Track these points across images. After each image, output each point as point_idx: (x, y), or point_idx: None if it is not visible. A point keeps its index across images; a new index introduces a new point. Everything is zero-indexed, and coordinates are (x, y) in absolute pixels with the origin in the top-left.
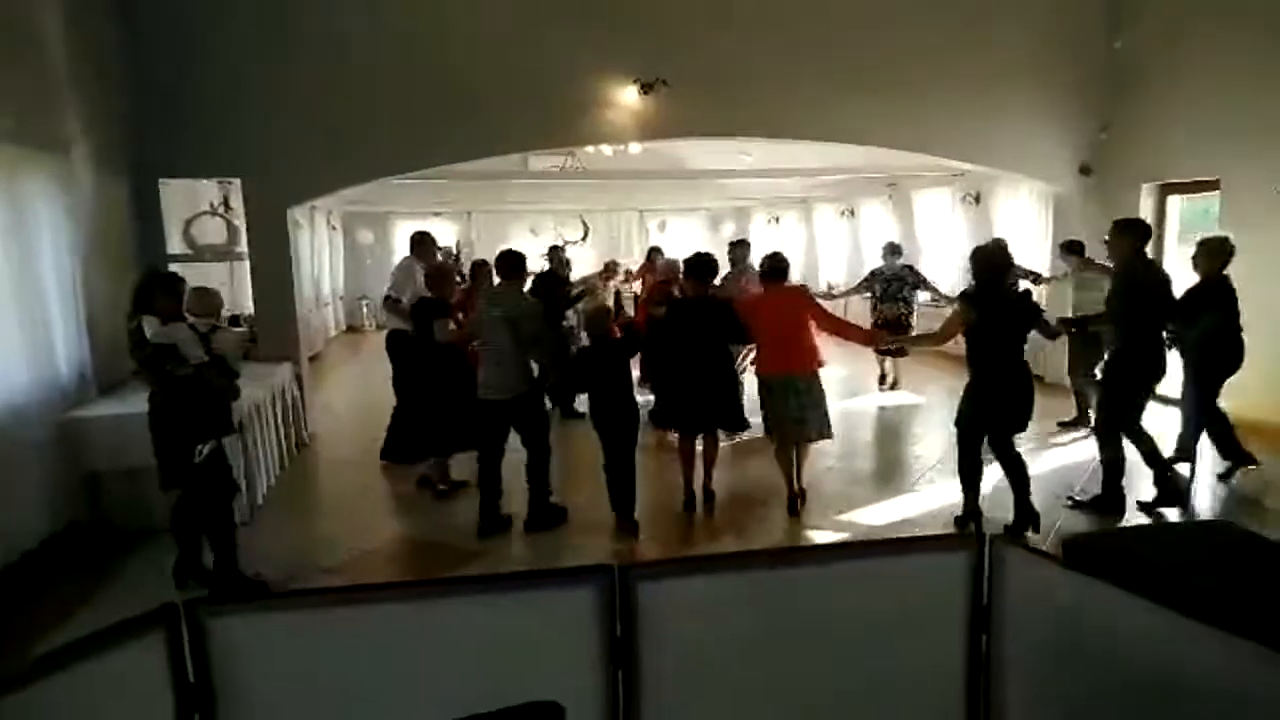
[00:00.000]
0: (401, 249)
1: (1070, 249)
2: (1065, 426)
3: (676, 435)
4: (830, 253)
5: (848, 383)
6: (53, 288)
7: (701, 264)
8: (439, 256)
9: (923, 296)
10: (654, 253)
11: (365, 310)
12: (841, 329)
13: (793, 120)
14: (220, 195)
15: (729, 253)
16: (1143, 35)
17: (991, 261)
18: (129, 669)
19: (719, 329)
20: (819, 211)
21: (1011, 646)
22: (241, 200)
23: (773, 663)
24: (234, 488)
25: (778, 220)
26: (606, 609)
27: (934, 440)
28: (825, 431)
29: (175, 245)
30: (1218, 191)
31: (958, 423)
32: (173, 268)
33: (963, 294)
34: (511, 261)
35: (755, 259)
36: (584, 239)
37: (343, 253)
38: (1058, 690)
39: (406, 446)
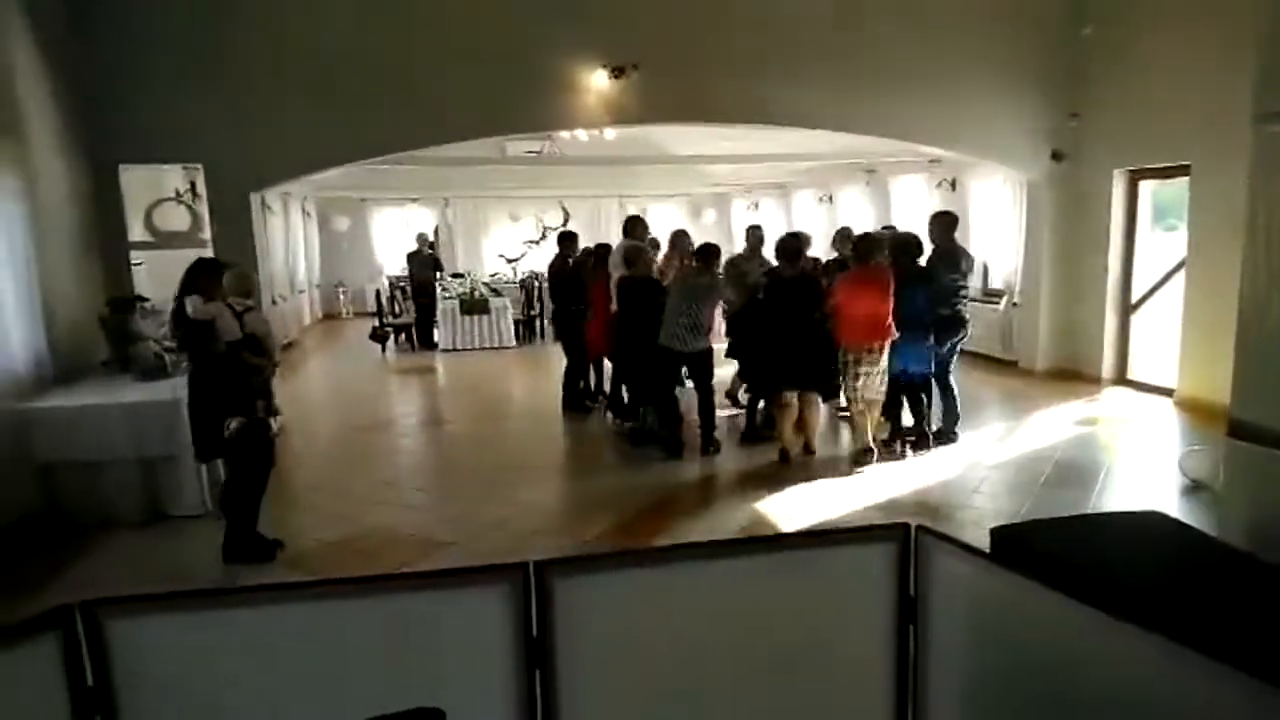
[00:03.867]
0: (379, 236)
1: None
2: None
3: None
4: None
5: None
6: (7, 275)
7: (791, 247)
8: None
9: None
10: (679, 236)
11: (342, 297)
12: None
13: (766, 106)
14: (185, 181)
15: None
16: (1111, 21)
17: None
18: (21, 671)
19: (813, 302)
20: (798, 197)
21: (937, 639)
22: (204, 187)
23: (697, 660)
24: (270, 461)
25: (757, 206)
26: (521, 608)
27: None
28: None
29: (137, 232)
30: (1187, 177)
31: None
32: (134, 255)
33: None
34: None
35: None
36: (565, 224)
37: (318, 240)
38: (982, 684)
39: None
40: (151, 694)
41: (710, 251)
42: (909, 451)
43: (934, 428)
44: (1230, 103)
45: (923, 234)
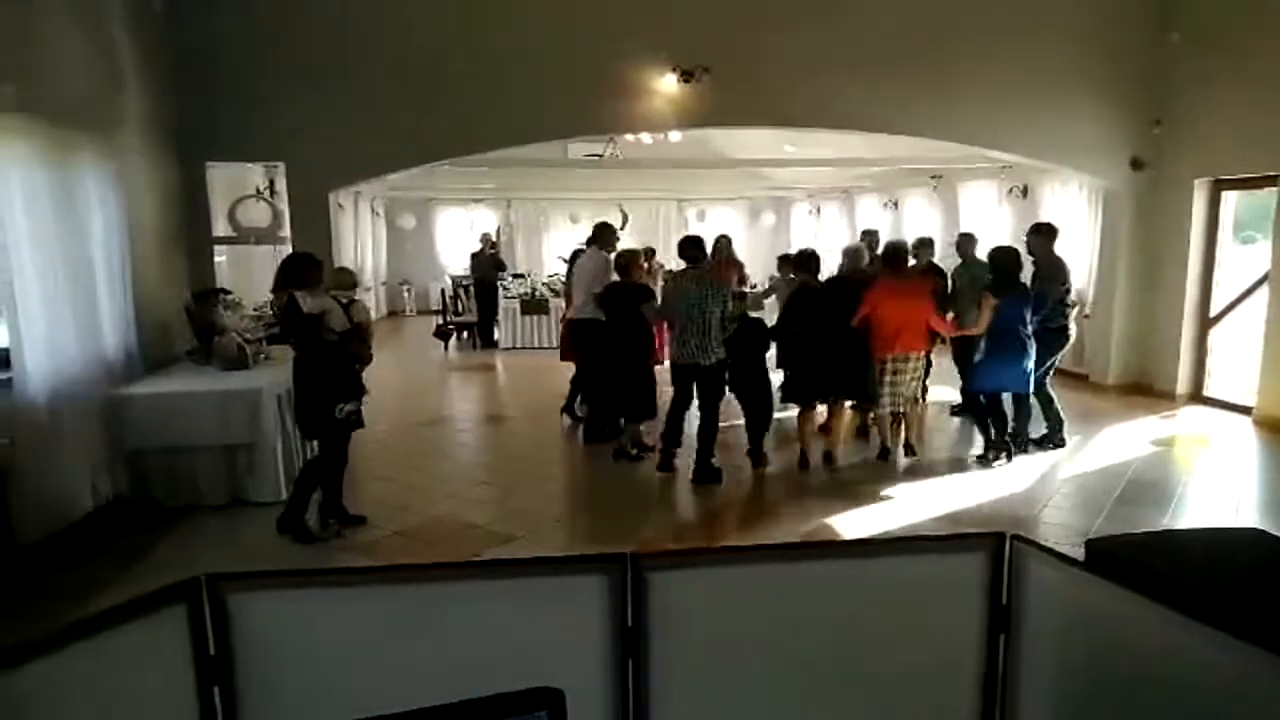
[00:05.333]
0: (443, 235)
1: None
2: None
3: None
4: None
5: None
6: (101, 266)
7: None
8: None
9: None
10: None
11: (406, 295)
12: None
13: (834, 111)
14: (265, 179)
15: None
16: (1199, 27)
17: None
18: (151, 641)
19: (846, 311)
20: (862, 202)
21: (1029, 649)
22: (285, 184)
23: (782, 659)
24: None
25: (819, 211)
26: (618, 598)
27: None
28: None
29: (221, 228)
30: (1275, 187)
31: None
32: (216, 250)
33: (986, 287)
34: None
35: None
36: (623, 227)
37: (385, 238)
38: (1075, 696)
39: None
40: (267, 665)
41: (805, 259)
42: (1003, 460)
43: (1034, 435)
44: None
45: (1008, 241)
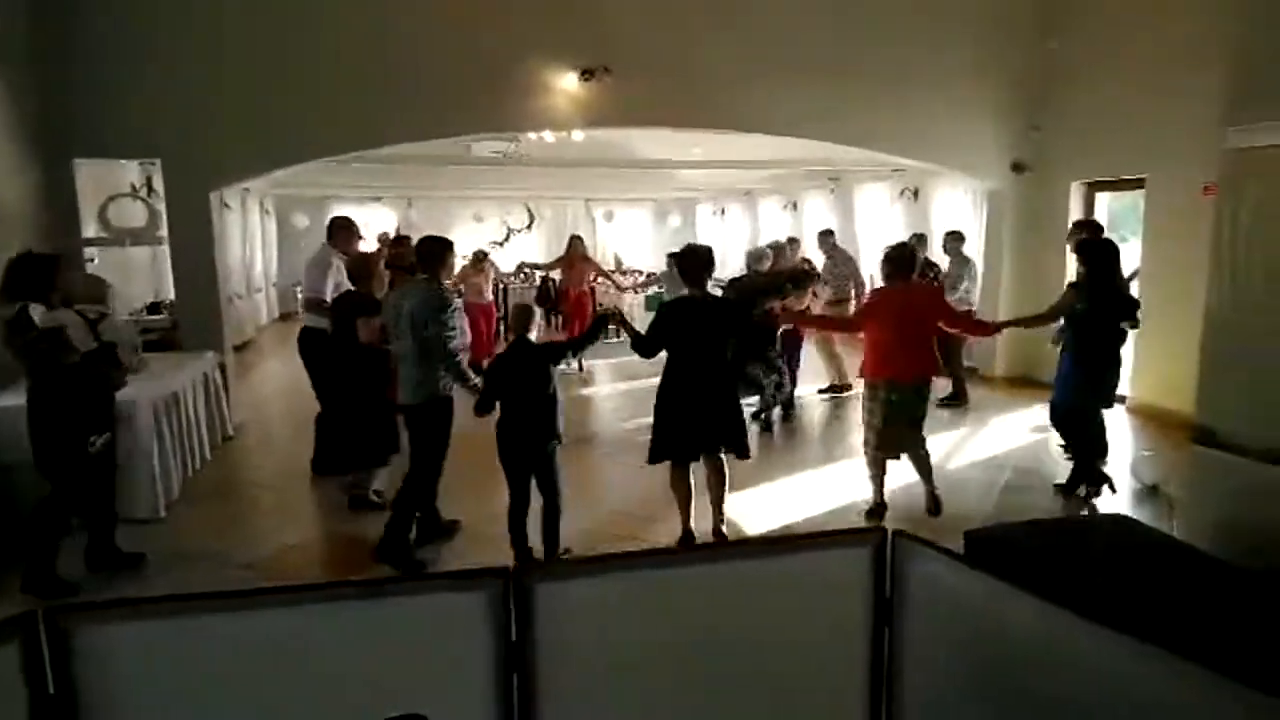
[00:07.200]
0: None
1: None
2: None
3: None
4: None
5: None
6: None
7: (698, 259)
8: (359, 245)
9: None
10: (793, 244)
11: (300, 298)
12: (970, 325)
13: (734, 113)
14: (142, 176)
15: None
16: (1075, 36)
17: (1108, 254)
18: None
19: (726, 332)
20: (763, 204)
21: (913, 640)
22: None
23: (676, 662)
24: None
25: (723, 212)
26: (500, 613)
27: None
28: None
29: (91, 229)
30: (1142, 189)
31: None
32: (89, 252)
33: (1073, 284)
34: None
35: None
36: (529, 227)
37: (276, 238)
38: (957, 684)
39: (335, 457)
40: (114, 702)
41: (691, 261)
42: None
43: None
44: (1184, 118)
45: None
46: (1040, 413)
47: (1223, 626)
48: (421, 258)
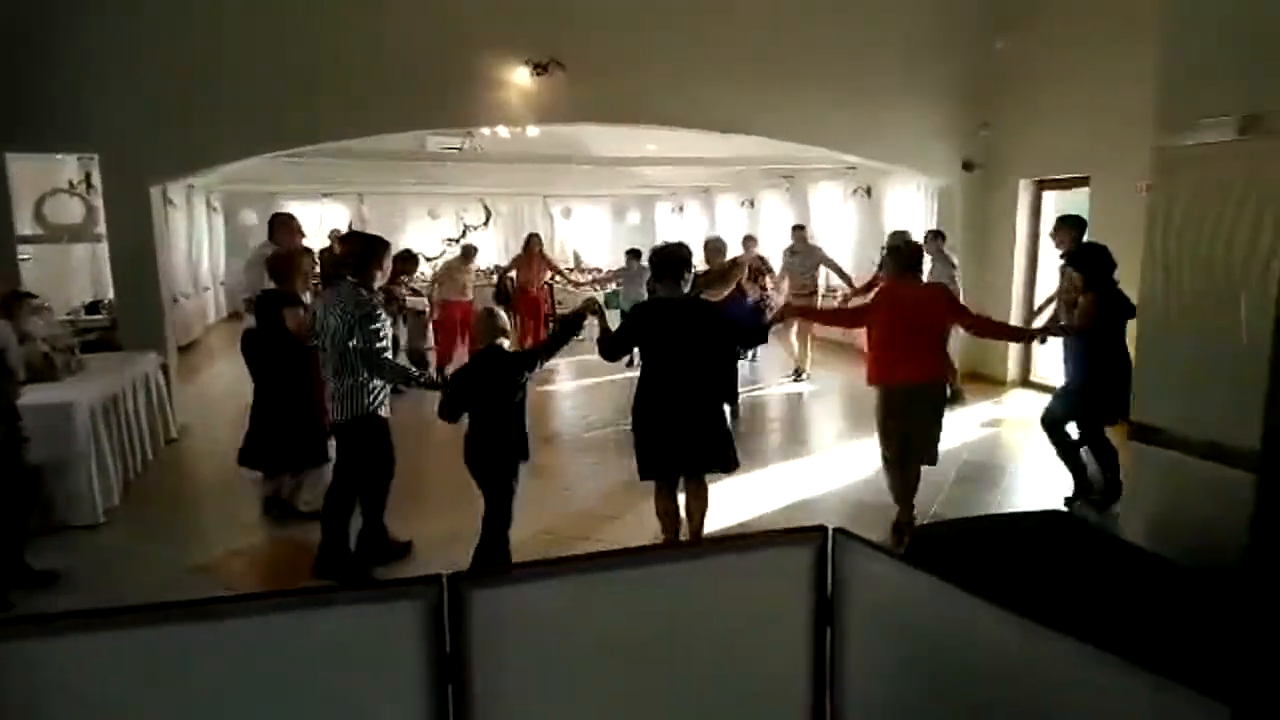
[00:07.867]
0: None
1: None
2: None
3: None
4: (732, 242)
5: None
6: None
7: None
8: (300, 241)
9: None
10: (749, 241)
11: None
12: (997, 329)
13: (687, 110)
14: (80, 172)
15: None
16: (1021, 36)
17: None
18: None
19: (707, 336)
20: (721, 201)
21: (854, 640)
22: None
23: (619, 665)
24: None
25: (681, 209)
26: (434, 622)
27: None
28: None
29: (26, 226)
30: (1086, 188)
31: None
32: (23, 250)
33: (1089, 288)
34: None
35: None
36: (486, 223)
37: (224, 235)
38: (898, 684)
39: (259, 453)
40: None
41: (664, 259)
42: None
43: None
44: (1127, 117)
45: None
46: (991, 408)
47: (1163, 624)
48: (351, 259)
